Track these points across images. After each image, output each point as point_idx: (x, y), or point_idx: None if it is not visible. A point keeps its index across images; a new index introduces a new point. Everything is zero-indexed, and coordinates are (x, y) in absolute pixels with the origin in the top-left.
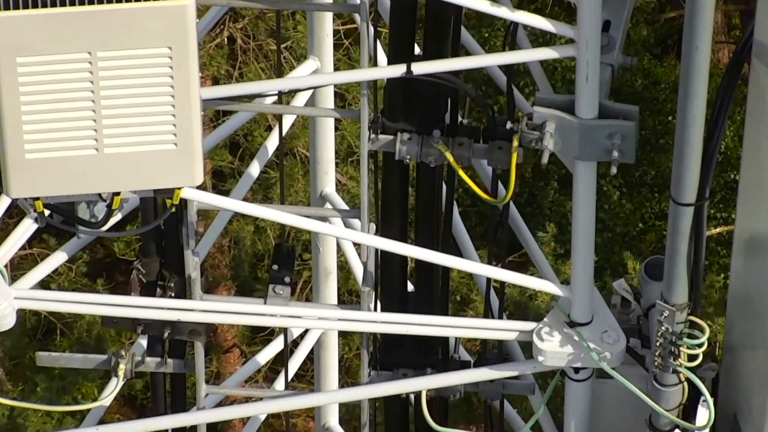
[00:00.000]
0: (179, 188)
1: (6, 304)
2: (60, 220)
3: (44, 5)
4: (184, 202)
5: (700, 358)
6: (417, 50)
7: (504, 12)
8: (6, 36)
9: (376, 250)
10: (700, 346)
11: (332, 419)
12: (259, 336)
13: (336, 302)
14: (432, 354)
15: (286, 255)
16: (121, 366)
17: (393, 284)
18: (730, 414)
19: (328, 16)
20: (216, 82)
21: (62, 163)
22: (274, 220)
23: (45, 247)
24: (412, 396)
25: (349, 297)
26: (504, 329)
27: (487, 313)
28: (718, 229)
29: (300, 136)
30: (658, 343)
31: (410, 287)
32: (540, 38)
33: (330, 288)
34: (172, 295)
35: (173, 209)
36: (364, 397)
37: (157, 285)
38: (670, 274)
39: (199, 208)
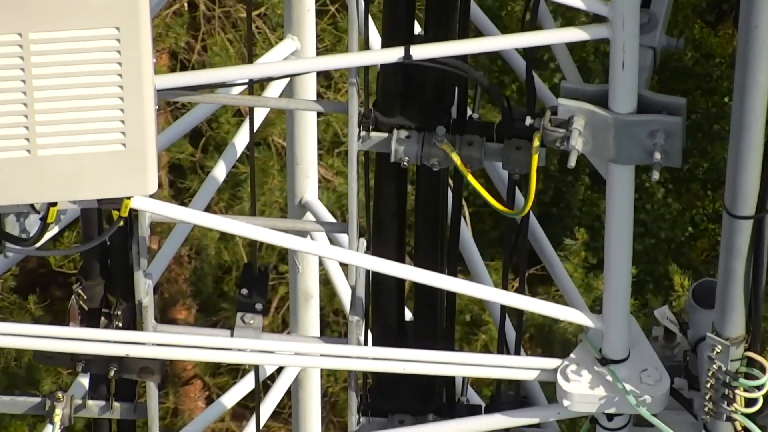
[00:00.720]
0: (128, 197)
1: None
2: None
3: None
4: (134, 214)
5: (760, 403)
6: (417, 29)
7: None
8: None
9: (367, 271)
10: (759, 388)
11: None
12: (226, 366)
13: (318, 332)
14: (434, 397)
15: (257, 276)
16: (58, 411)
17: (387, 312)
18: None
19: None
20: (174, 57)
21: None
22: (242, 236)
23: None
24: None
25: (335, 318)
26: (521, 367)
27: (502, 347)
28: None
29: (276, 123)
30: (708, 385)
31: (408, 316)
32: (565, 15)
33: (311, 315)
34: (119, 325)
35: (121, 222)
36: None
37: (102, 313)
38: (724, 300)
39: (153, 221)
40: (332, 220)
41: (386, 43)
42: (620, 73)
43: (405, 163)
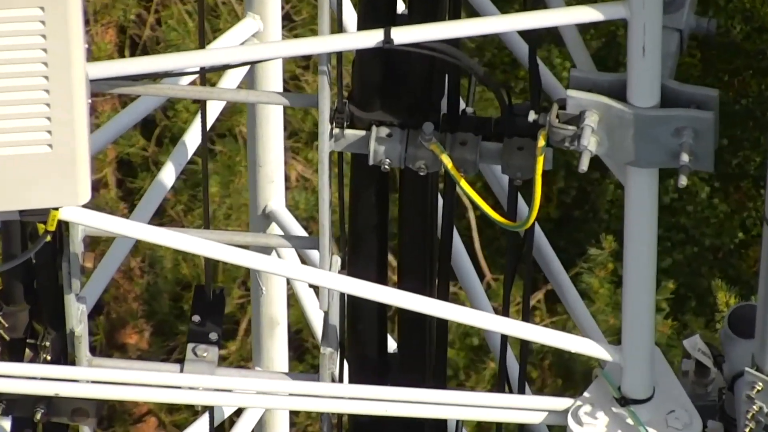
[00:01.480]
0: (56, 208)
1: None
2: None
3: None
4: (64, 227)
5: None
6: (401, 8)
7: None
8: None
9: (342, 294)
10: None
11: None
12: None
13: (286, 365)
14: None
15: (212, 301)
16: None
17: (366, 343)
18: None
19: None
20: (122, 32)
21: None
22: (193, 253)
23: None
24: None
25: (315, 342)
26: (526, 408)
27: (503, 384)
28: None
29: (244, 110)
30: (747, 429)
31: (392, 346)
32: None
33: (277, 345)
34: (48, 359)
35: (48, 237)
36: None
37: (26, 344)
38: (765, 328)
39: (88, 234)
40: (302, 232)
41: (363, 25)
42: (640, 60)
43: (386, 167)
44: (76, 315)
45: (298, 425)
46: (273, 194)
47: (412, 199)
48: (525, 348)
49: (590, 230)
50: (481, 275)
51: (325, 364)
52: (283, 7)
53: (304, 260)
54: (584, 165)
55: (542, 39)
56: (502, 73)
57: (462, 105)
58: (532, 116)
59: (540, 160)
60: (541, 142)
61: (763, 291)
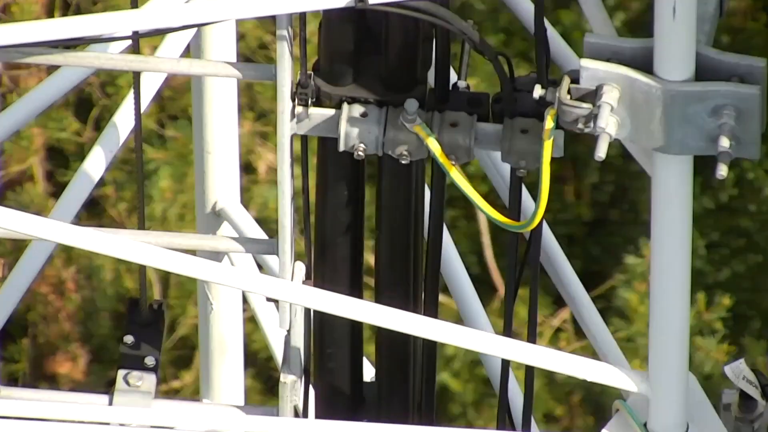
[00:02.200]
0: None
1: None
2: None
3: None
4: None
5: None
6: None
7: None
8: None
9: (308, 310)
10: None
11: None
12: None
13: (242, 396)
14: None
15: (149, 317)
16: None
17: (337, 370)
18: None
19: None
20: None
21: None
22: (124, 258)
23: None
24: None
25: (275, 371)
26: None
27: (503, 420)
28: None
29: None
30: None
31: (369, 373)
32: None
33: (230, 372)
34: None
35: None
36: None
37: None
38: None
39: None
40: (260, 234)
41: None
42: (670, 23)
43: (360, 153)
44: None
45: None
46: (225, 188)
47: (392, 193)
48: (530, 374)
49: (627, 235)
50: (493, 290)
51: (286, 396)
52: None
53: (263, 268)
54: (601, 151)
55: None
56: (522, 40)
57: (453, 78)
58: (538, 92)
59: (548, 145)
60: (549, 124)
61: None
